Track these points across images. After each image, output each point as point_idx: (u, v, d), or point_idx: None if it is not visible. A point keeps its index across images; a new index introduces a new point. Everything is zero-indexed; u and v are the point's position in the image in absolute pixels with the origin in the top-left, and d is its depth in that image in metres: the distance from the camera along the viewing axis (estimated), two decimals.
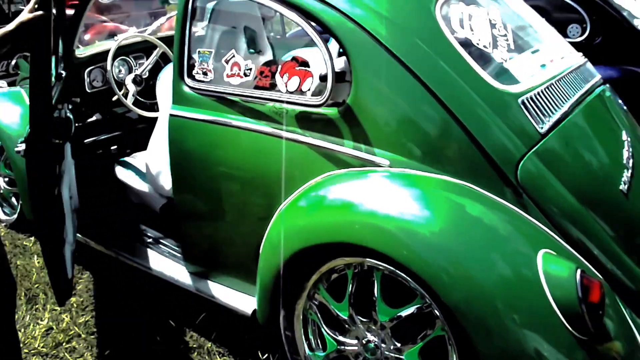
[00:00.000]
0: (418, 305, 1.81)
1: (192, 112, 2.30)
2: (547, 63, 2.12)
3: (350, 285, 1.94)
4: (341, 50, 2.00)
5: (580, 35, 4.46)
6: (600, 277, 1.78)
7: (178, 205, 2.45)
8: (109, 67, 3.07)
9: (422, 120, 1.87)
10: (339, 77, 2.00)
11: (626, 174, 1.99)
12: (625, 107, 2.47)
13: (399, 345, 1.88)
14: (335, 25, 1.97)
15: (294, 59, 2.09)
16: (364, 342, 1.96)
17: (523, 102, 1.88)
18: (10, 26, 1.91)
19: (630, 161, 2.04)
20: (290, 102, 2.06)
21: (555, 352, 1.65)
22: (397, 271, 1.77)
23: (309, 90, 2.05)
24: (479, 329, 1.65)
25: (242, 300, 2.32)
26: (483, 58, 1.95)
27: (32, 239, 3.44)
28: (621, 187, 1.95)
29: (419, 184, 1.83)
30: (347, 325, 2.00)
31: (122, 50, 3.34)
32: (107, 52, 3.12)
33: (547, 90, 1.97)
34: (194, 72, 2.33)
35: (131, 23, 4.74)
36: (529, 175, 1.81)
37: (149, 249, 2.79)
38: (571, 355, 1.65)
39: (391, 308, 1.86)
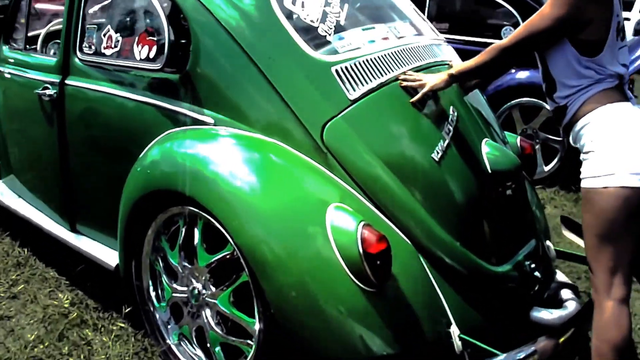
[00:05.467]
0: (228, 252, 1.97)
1: (84, 83, 2.52)
2: (377, 39, 2.26)
3: (181, 234, 2.12)
4: (185, 24, 2.19)
5: None
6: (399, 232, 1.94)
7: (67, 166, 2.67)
8: (39, 49, 3.29)
9: (242, 84, 2.05)
10: (182, 47, 2.21)
11: (441, 144, 2.12)
12: None
13: (214, 290, 2.05)
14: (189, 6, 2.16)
15: (146, 30, 2.29)
16: (190, 288, 2.13)
17: (336, 71, 2.03)
18: None
19: (450, 133, 2.16)
20: (142, 68, 2.27)
21: (335, 298, 1.79)
22: (212, 220, 1.94)
23: (155, 57, 2.25)
24: (264, 271, 1.81)
25: (108, 254, 2.51)
26: (306, 31, 2.11)
27: None
28: (433, 155, 2.08)
29: (236, 142, 2.02)
30: (178, 273, 2.18)
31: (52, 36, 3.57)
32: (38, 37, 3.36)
33: (366, 62, 2.11)
34: (83, 45, 2.55)
35: None
36: (334, 137, 1.97)
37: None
38: (352, 302, 1.79)
39: (208, 254, 2.04)
